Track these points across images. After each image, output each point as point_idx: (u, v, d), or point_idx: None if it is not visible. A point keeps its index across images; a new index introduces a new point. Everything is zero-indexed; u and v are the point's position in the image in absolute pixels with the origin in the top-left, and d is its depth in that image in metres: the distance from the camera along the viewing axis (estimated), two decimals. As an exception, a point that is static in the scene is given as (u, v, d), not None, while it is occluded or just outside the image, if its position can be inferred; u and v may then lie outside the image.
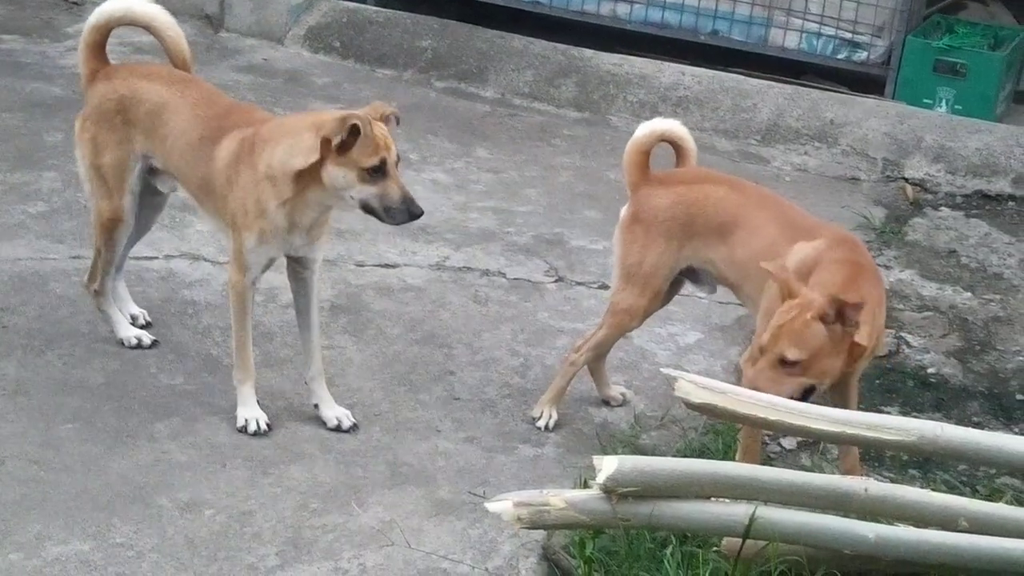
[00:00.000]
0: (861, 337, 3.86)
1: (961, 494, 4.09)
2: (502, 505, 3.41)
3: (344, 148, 4.15)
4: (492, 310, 5.50)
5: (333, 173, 4.19)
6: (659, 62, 8.07)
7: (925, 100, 7.84)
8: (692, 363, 5.17)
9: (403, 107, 7.70)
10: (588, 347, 4.68)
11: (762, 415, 3.37)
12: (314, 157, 4.19)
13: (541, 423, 4.67)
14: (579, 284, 5.78)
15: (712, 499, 3.49)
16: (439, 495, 4.25)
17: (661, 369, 3.68)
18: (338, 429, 4.51)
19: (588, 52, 8.13)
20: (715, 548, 3.66)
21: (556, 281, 5.80)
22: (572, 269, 5.90)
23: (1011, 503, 4.02)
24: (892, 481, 4.33)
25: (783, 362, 3.84)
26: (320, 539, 3.97)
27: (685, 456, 4.33)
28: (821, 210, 6.78)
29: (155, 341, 4.87)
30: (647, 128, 4.60)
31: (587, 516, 3.38)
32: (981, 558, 3.38)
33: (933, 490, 3.78)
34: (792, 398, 3.75)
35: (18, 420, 4.41)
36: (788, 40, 8.24)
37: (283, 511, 4.09)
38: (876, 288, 4.11)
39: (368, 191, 4.20)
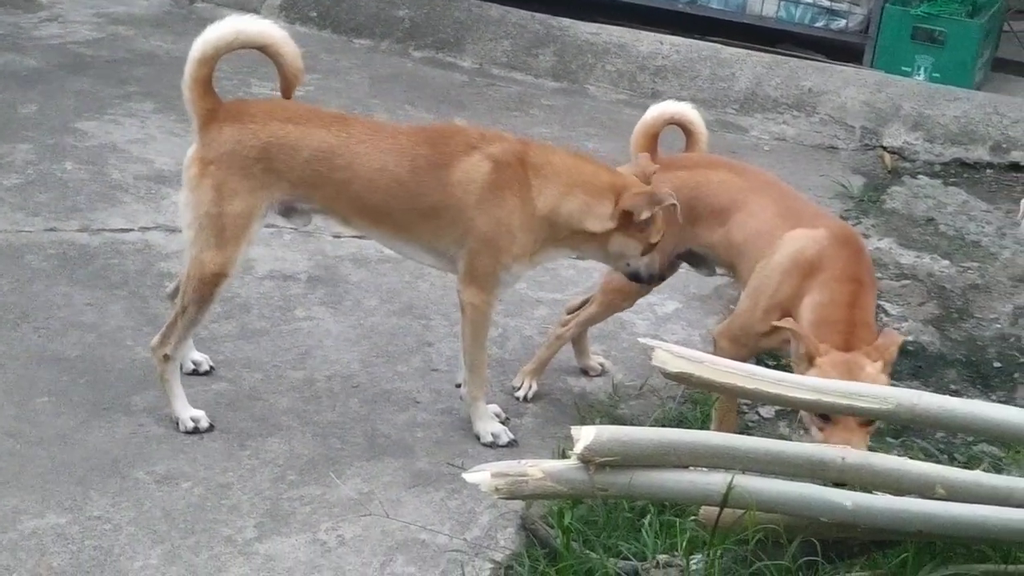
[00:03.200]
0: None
1: (939, 462, 4.10)
2: (480, 476, 3.39)
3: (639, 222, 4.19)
4: (470, 281, 5.47)
5: (622, 243, 4.26)
6: (637, 31, 8.05)
7: (903, 68, 7.85)
8: (670, 333, 5.17)
9: (381, 77, 7.75)
10: (577, 322, 4.68)
11: (739, 384, 3.36)
12: (610, 226, 4.22)
13: (520, 393, 4.67)
14: (557, 254, 5.76)
15: (690, 468, 3.49)
16: (417, 466, 4.24)
17: (639, 339, 3.67)
18: (492, 445, 4.39)
19: (566, 21, 8.10)
20: (693, 517, 3.66)
21: (534, 251, 5.77)
22: (550, 239, 5.87)
23: (988, 471, 4.03)
24: (870, 449, 4.34)
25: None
26: (298, 511, 3.96)
27: (663, 426, 4.33)
28: (799, 179, 6.79)
29: (212, 426, 4.30)
30: (656, 110, 4.57)
31: (565, 486, 3.37)
32: (958, 525, 3.39)
33: (911, 458, 3.79)
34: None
35: (-7, 394, 4.39)
36: (766, 8, 8.23)
37: (260, 483, 4.08)
38: (872, 294, 4.11)
39: (643, 262, 4.31)
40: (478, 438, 4.39)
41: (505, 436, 4.38)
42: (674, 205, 4.18)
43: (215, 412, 4.39)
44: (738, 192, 4.37)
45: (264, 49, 4.21)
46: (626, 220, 4.19)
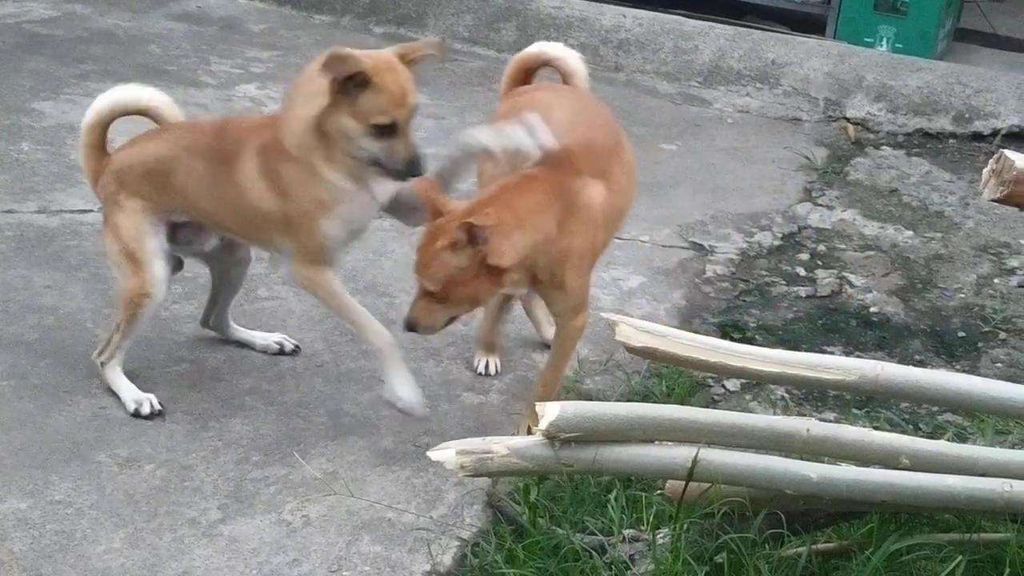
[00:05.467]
0: (496, 258, 3.82)
1: (904, 432, 4.10)
2: (445, 453, 3.36)
3: (350, 95, 3.86)
4: (434, 258, 5.44)
5: (339, 123, 3.92)
6: (599, 4, 8.02)
7: (866, 39, 7.85)
8: (635, 307, 5.16)
9: (341, 54, 7.66)
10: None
11: (702, 357, 3.34)
12: (322, 103, 3.91)
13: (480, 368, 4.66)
14: (521, 230, 5.73)
15: (655, 443, 3.48)
16: (382, 445, 4.22)
17: (602, 314, 3.65)
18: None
19: (528, -5, 8.06)
20: (659, 491, 3.65)
21: (498, 227, 5.74)
22: (514, 215, 5.85)
23: (952, 440, 4.04)
24: (835, 421, 4.35)
25: (427, 293, 3.90)
26: (262, 491, 3.93)
27: (629, 400, 4.32)
28: (763, 151, 6.79)
29: (160, 410, 4.26)
30: (536, 47, 4.64)
31: (530, 463, 3.35)
32: (923, 495, 3.39)
33: (876, 429, 3.79)
34: (438, 328, 3.96)
35: (-49, 378, 4.34)
36: (729, -20, 8.21)
37: (224, 465, 4.04)
38: (537, 201, 3.94)
39: (378, 146, 3.93)
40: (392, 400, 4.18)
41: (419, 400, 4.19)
42: (423, 56, 3.97)
43: (177, 393, 4.35)
44: (548, 108, 4.19)
45: (150, 114, 4.40)
46: (337, 90, 3.87)
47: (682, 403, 4.32)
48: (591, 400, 4.30)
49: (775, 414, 4.43)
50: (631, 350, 3.34)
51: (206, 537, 3.72)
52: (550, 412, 3.32)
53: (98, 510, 3.79)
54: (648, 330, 3.32)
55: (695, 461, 3.31)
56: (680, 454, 3.38)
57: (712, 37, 7.75)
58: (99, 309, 4.77)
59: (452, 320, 4.03)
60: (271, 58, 7.58)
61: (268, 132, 4.09)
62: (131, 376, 4.35)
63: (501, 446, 3.38)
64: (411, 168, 3.93)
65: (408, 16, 8.01)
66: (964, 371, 4.87)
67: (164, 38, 7.71)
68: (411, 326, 3.99)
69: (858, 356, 4.79)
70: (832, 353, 4.86)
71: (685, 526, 3.46)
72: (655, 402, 4.28)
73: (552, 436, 3.32)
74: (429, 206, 3.90)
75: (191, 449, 4.10)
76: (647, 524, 3.54)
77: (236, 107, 6.76)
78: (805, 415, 4.40)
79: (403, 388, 4.16)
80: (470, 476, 3.44)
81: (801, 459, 3.41)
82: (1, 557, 3.56)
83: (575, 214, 3.98)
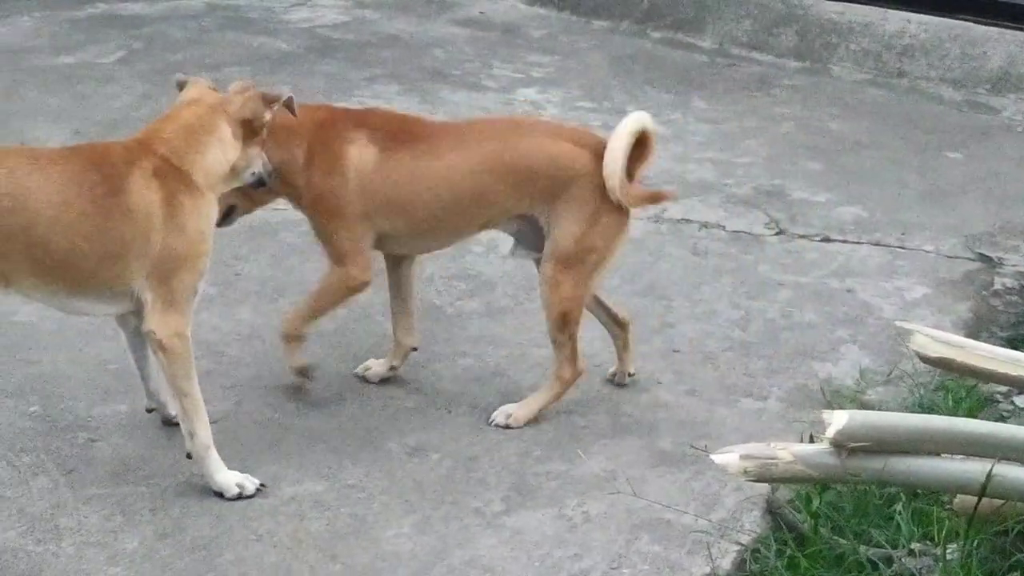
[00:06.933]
0: None
1: None
2: (728, 457, 3.37)
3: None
4: (711, 262, 5.46)
5: (250, 155, 3.97)
6: (883, 9, 7.85)
7: None
8: (919, 318, 5.02)
9: (619, 58, 7.76)
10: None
11: (1004, 371, 3.26)
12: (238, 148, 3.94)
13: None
14: (801, 237, 5.69)
15: (943, 456, 3.40)
16: (660, 446, 4.24)
17: (896, 322, 3.59)
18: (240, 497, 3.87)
19: (808, 0, 7.95)
20: (948, 506, 3.56)
21: (777, 234, 5.71)
22: (794, 221, 5.81)
23: None
24: None
25: None
26: (544, 485, 4.01)
27: (912, 412, 4.23)
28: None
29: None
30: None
31: (815, 470, 3.33)
32: None
33: None
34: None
35: (254, 364, 4.57)
36: (1021, -16, 7.91)
37: (507, 457, 4.14)
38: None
39: (260, 162, 4.04)
40: (221, 495, 3.86)
41: (250, 483, 3.88)
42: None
43: (462, 387, 4.48)
44: None
45: None
46: (247, 130, 3.88)
47: (969, 417, 4.19)
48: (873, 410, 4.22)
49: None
50: (926, 360, 3.29)
51: (490, 527, 3.82)
52: (838, 420, 3.29)
53: (388, 495, 3.94)
54: (946, 340, 3.26)
55: (990, 476, 3.22)
56: (973, 468, 3.30)
57: (1002, 43, 7.49)
58: (387, 302, 4.94)
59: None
60: (551, 63, 7.71)
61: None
62: (424, 370, 4.51)
63: (786, 452, 3.37)
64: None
65: (686, 20, 8.02)
66: None
67: (448, 43, 7.94)
68: None
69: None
70: None
71: (976, 543, 3.36)
72: (940, 415, 4.17)
73: (839, 444, 3.28)
74: None
75: (475, 441, 4.22)
76: (937, 538, 3.46)
77: (516, 111, 6.90)
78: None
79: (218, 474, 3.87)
80: (753, 481, 3.44)
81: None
82: (299, 536, 3.74)
83: None
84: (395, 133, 4.26)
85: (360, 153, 4.19)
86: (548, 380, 4.37)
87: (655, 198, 4.44)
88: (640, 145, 4.17)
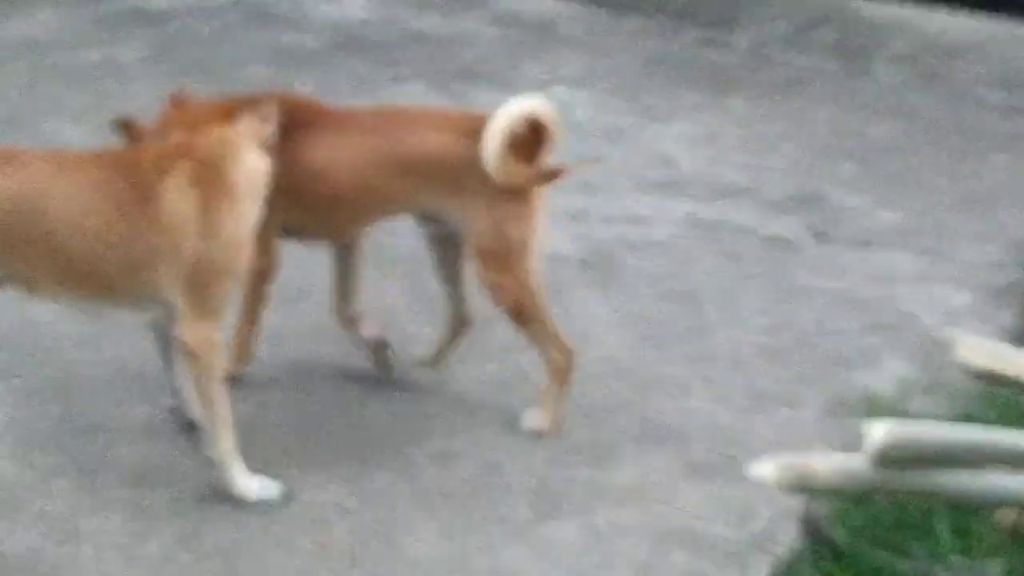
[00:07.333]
0: None
1: None
2: (764, 468, 3.27)
3: None
4: (744, 267, 5.36)
5: None
6: (926, 10, 7.74)
7: None
8: (960, 326, 4.89)
9: (651, 58, 7.65)
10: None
11: (1051, 382, 3.15)
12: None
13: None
14: (837, 242, 5.58)
15: (986, 468, 3.29)
16: (691, 455, 4.13)
17: (943, 331, 3.48)
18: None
19: (846, -1, 7.87)
20: (989, 520, 3.46)
21: (813, 238, 5.60)
22: (829, 226, 5.70)
23: None
24: None
25: None
26: (571, 493, 3.91)
27: (954, 423, 4.11)
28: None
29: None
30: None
31: (854, 482, 3.23)
32: None
33: None
34: None
35: (276, 367, 4.48)
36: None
37: (533, 464, 4.04)
38: None
39: None
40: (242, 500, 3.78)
41: (273, 489, 3.81)
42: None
43: (487, 393, 4.39)
44: None
45: None
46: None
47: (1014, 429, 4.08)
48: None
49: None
50: (971, 371, 3.17)
51: (515, 535, 3.73)
52: (877, 431, 3.19)
53: (412, 502, 3.85)
54: (992, 351, 3.15)
55: (1035, 491, 3.11)
56: (1017, 483, 3.19)
57: (1047, 44, 7.38)
58: (409, 305, 4.86)
59: None
60: (581, 61, 7.61)
61: None
62: (448, 375, 4.44)
63: (824, 463, 3.27)
64: None
65: (720, 20, 7.92)
66: None
67: (476, 40, 7.85)
68: None
69: None
70: None
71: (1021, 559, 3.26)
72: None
73: (879, 456, 3.18)
74: None
75: (500, 446, 4.13)
76: (979, 553, 3.35)
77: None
78: None
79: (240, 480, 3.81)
80: (789, 492, 3.34)
81: None
82: (322, 541, 3.66)
83: None
84: (287, 121, 3.98)
85: None
86: (546, 375, 4.22)
87: (548, 176, 4.09)
88: (537, 130, 4.00)
